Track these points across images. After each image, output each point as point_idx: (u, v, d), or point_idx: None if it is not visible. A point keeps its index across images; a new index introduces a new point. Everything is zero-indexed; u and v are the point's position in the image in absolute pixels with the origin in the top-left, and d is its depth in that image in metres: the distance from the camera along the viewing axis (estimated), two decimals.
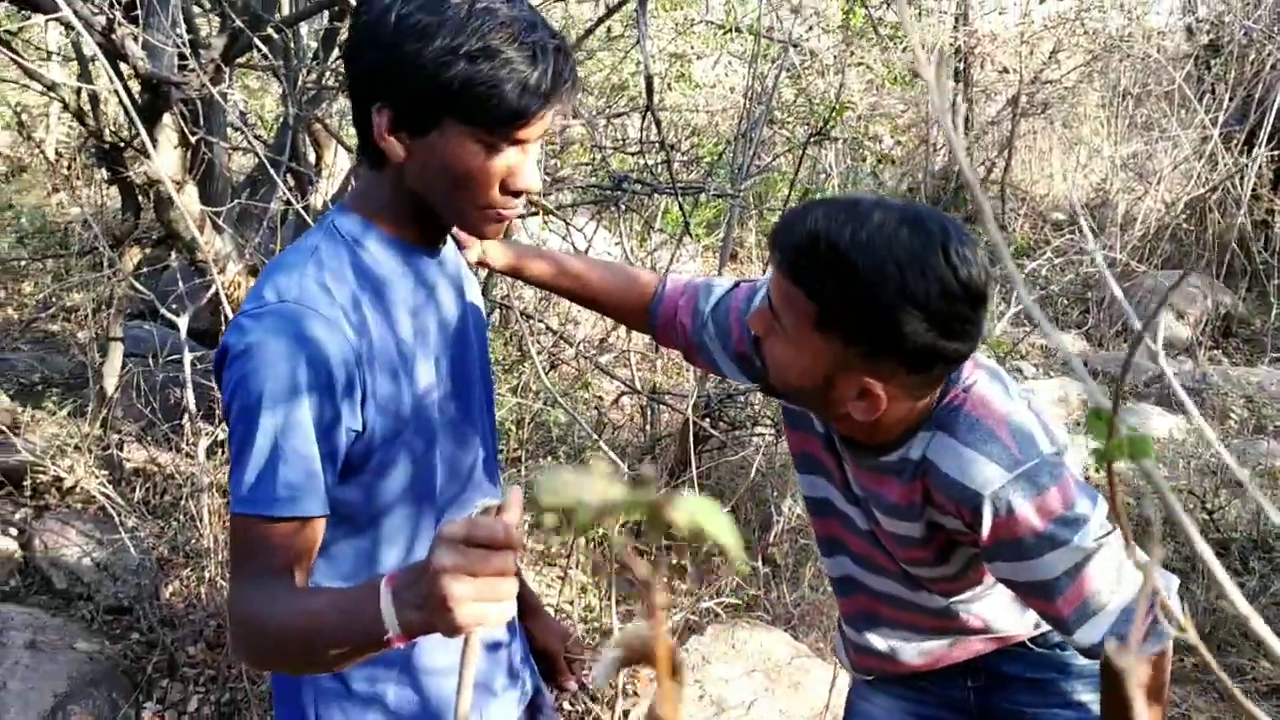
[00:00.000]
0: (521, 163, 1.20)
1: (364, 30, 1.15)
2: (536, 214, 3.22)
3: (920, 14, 7.78)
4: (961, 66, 9.28)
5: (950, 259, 1.21)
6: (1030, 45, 8.97)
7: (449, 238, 1.41)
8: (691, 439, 3.28)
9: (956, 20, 9.20)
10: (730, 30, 4.61)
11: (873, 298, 1.21)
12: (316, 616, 1.07)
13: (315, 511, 1.16)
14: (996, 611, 1.57)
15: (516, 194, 1.22)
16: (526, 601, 1.68)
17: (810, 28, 5.87)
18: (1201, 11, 8.92)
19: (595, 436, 3.09)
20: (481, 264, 1.56)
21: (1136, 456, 0.49)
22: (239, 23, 2.84)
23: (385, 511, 1.28)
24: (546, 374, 3.91)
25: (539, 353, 3.69)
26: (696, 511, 0.28)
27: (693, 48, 5.60)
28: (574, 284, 1.67)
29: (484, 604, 0.92)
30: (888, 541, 1.51)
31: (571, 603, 3.49)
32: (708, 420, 3.97)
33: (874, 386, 1.28)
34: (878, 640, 1.65)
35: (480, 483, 1.42)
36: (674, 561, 3.57)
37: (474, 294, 1.46)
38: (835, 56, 5.18)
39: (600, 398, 4.57)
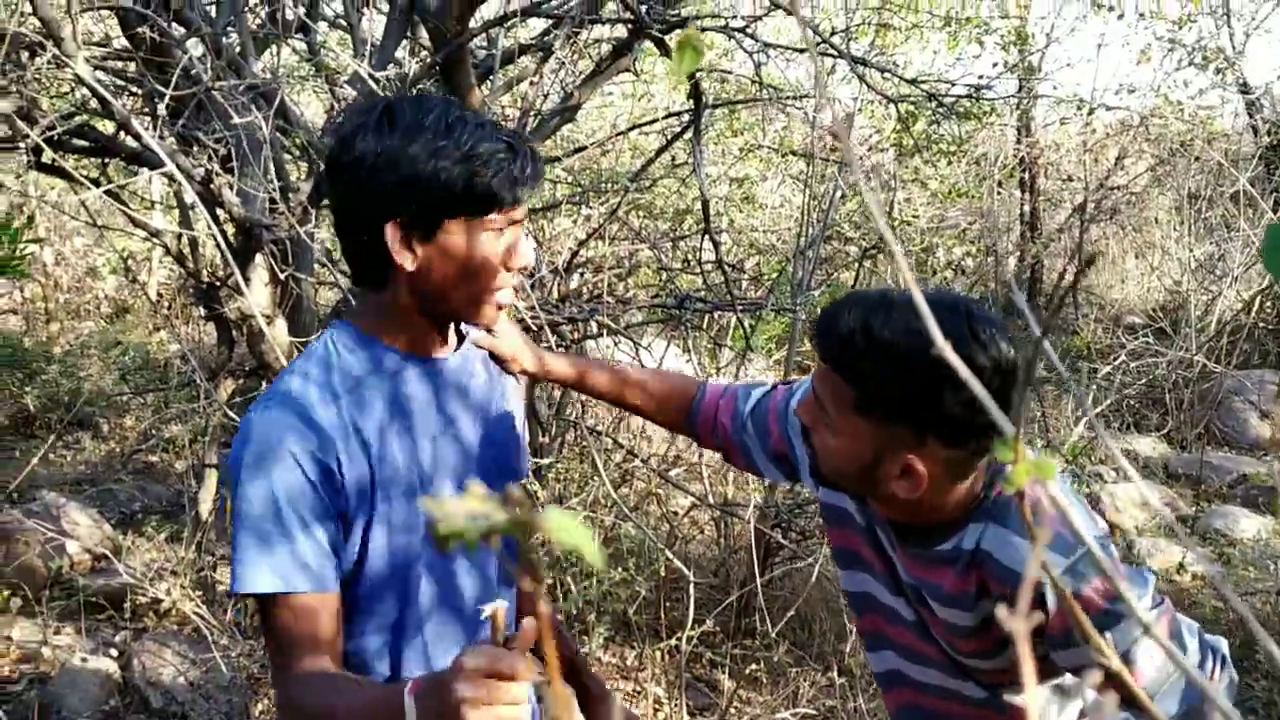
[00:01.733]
0: (518, 241, 1.36)
1: (357, 164, 1.30)
2: (601, 334, 3.37)
3: (983, 126, 7.95)
4: (1026, 176, 9.39)
5: (978, 337, 1.30)
6: (1094, 153, 9.06)
7: (475, 348, 1.54)
8: (763, 549, 3.33)
9: (1019, 132, 9.34)
10: (785, 154, 4.78)
11: (906, 377, 1.30)
12: (348, 714, 1.19)
13: (304, 588, 1.28)
14: (1040, 702, 1.59)
15: (516, 271, 1.37)
16: (589, 690, 1.72)
17: (870, 149, 6.05)
18: (1265, 112, 8.95)
19: (664, 549, 3.16)
20: (524, 373, 1.66)
21: (1043, 477, 0.56)
22: (324, 168, 3.06)
23: (371, 596, 1.39)
24: (617, 489, 4.01)
25: (605, 465, 3.79)
26: (558, 523, 0.38)
27: (756, 169, 5.80)
28: (614, 388, 1.77)
29: None
30: (938, 629, 1.54)
31: (646, 715, 3.52)
32: (778, 531, 4.02)
33: (915, 464, 1.35)
34: None
35: (474, 567, 1.51)
36: (748, 671, 3.58)
37: (494, 401, 1.57)
38: (892, 173, 5.33)
39: (675, 512, 4.64)
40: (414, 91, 3.53)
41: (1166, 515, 0.58)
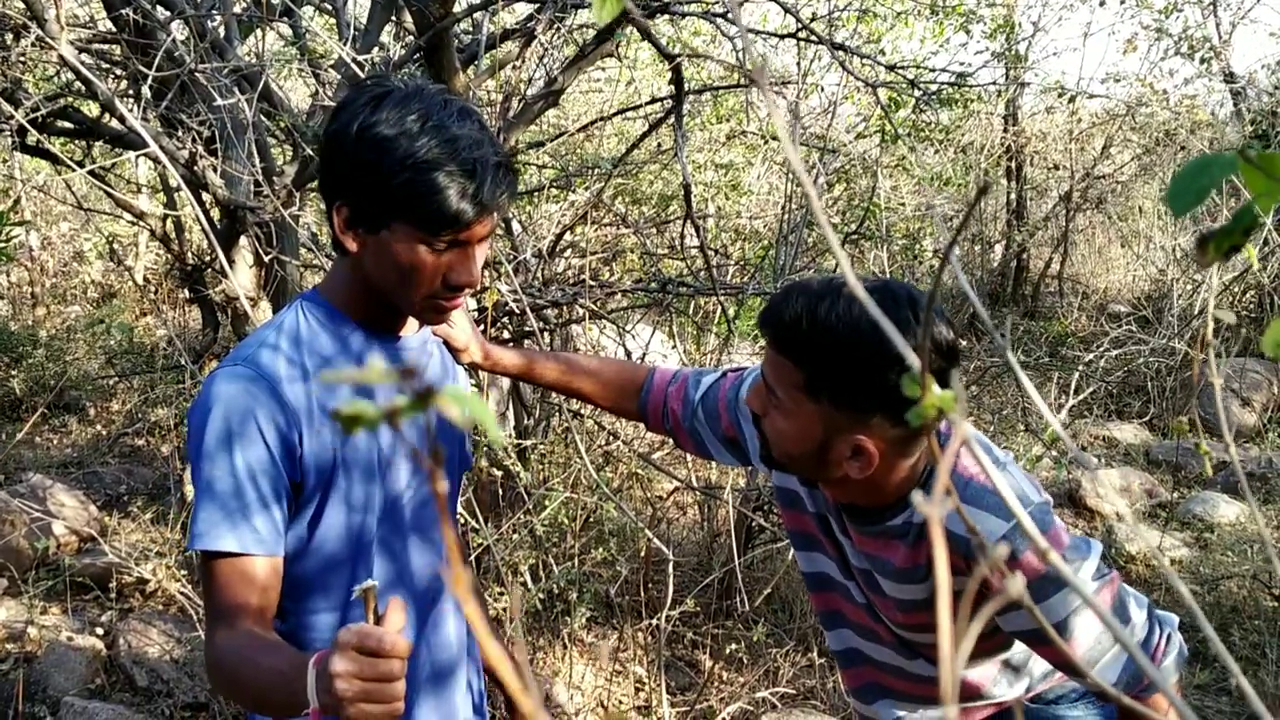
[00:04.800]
0: (461, 261, 1.34)
1: (332, 138, 1.32)
2: (583, 319, 3.39)
3: (969, 115, 7.98)
4: (1013, 165, 9.42)
5: (920, 320, 1.35)
6: (1080, 142, 9.09)
7: (429, 333, 1.56)
8: (744, 532, 3.36)
9: (1006, 120, 9.37)
10: (767, 139, 4.79)
11: (852, 357, 1.34)
12: (262, 676, 1.22)
13: (240, 549, 1.30)
14: (993, 675, 1.64)
15: (457, 288, 1.36)
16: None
17: (857, 136, 6.06)
18: (1250, 101, 9.00)
19: (647, 531, 3.20)
20: (474, 365, 1.69)
21: (946, 410, 0.59)
22: (309, 150, 3.09)
23: (323, 572, 1.41)
24: (600, 471, 4.04)
25: (588, 448, 3.82)
26: (460, 400, 0.41)
27: (742, 156, 5.81)
28: (562, 377, 1.80)
29: (370, 704, 1.06)
30: (887, 610, 1.58)
31: (628, 695, 3.56)
32: (760, 514, 4.06)
33: (865, 443, 1.39)
34: (886, 711, 1.72)
35: (427, 546, 1.53)
36: (729, 651, 3.62)
37: (448, 385, 1.58)
38: (875, 160, 5.36)
39: (660, 496, 4.68)
40: (399, 76, 3.55)
41: (1125, 513, 0.61)
